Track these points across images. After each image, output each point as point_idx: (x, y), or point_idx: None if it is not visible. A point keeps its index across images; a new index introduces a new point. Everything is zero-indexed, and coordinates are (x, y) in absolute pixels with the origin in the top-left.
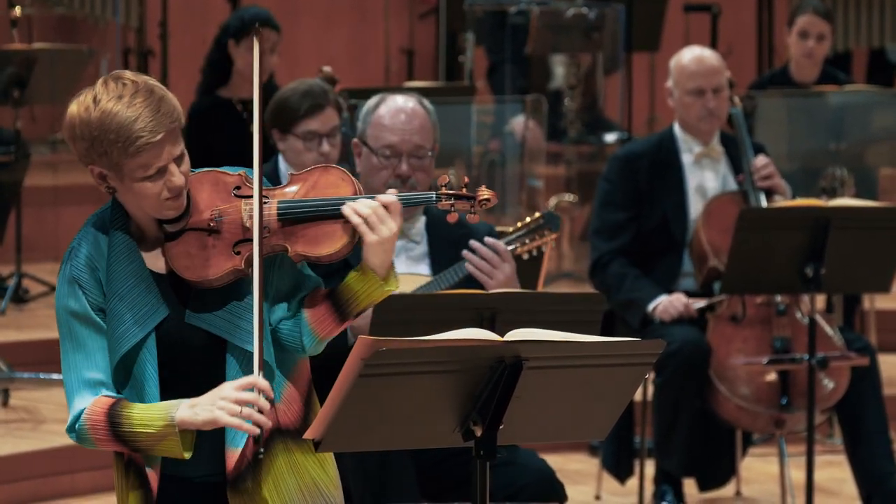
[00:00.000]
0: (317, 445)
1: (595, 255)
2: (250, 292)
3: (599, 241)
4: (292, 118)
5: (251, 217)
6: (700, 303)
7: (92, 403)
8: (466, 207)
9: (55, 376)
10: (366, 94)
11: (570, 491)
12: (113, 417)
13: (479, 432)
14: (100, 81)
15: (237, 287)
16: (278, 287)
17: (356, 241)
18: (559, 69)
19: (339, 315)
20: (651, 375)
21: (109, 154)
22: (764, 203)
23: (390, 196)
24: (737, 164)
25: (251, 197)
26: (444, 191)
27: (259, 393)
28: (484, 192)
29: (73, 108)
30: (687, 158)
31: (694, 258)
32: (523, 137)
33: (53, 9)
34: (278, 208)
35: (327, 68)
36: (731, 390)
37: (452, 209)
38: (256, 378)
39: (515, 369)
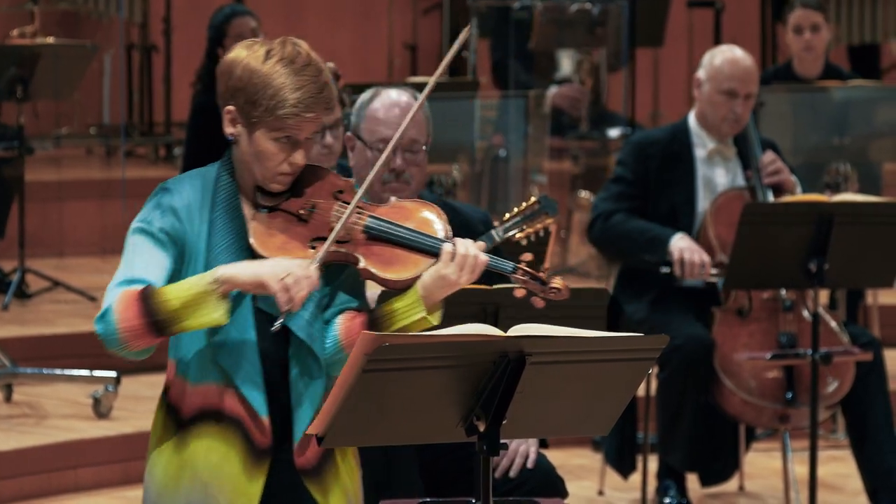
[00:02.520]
0: (320, 441)
1: (595, 212)
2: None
3: (601, 202)
4: None
5: (338, 219)
6: (714, 275)
7: (126, 289)
8: (536, 289)
9: (58, 371)
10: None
11: (573, 486)
12: (147, 293)
13: (482, 427)
14: (279, 40)
15: None
16: (334, 292)
17: None
18: (565, 63)
19: (370, 328)
20: (654, 370)
21: (257, 106)
22: (770, 199)
23: (484, 256)
24: (746, 160)
25: (348, 203)
26: (523, 266)
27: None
28: (557, 282)
29: (243, 52)
30: (700, 153)
31: None
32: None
33: (57, 4)
34: (367, 222)
35: (331, 64)
36: (736, 385)
37: (523, 286)
38: (311, 272)
39: (518, 364)
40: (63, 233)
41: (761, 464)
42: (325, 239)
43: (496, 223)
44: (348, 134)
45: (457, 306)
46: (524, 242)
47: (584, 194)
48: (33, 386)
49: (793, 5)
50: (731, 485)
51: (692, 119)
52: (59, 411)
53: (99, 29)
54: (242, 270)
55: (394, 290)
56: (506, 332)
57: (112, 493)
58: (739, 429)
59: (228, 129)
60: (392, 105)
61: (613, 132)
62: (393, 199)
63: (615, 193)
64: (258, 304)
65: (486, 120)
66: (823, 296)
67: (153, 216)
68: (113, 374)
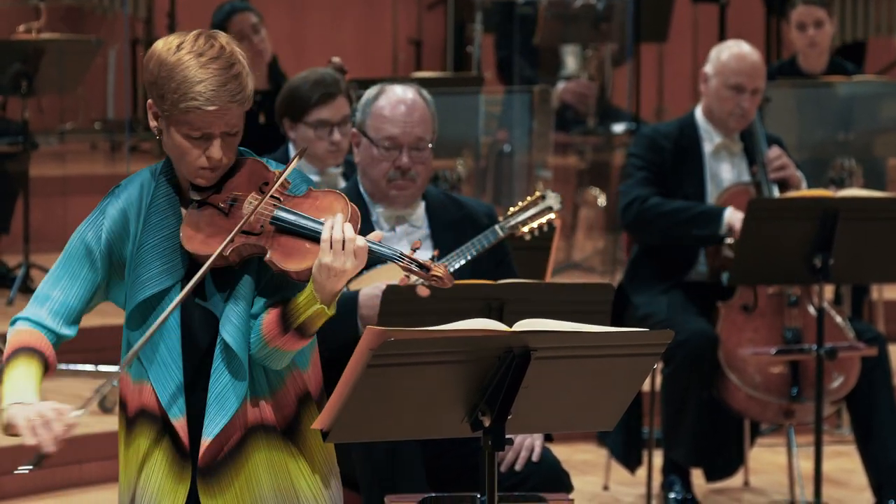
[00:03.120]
0: (325, 435)
1: (626, 199)
2: (249, 275)
3: (631, 189)
4: (304, 107)
5: (251, 211)
6: None
7: (19, 325)
8: (420, 276)
9: (63, 366)
10: (375, 84)
11: (579, 481)
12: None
13: (487, 422)
14: (195, 32)
15: (231, 276)
16: (267, 285)
17: None
18: (570, 59)
19: (283, 324)
20: (659, 365)
21: (165, 99)
22: (776, 194)
23: (363, 240)
24: (752, 155)
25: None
26: (410, 254)
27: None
28: (438, 270)
29: (160, 43)
30: (707, 147)
31: (708, 247)
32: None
33: (62, 0)
34: (275, 213)
35: (336, 59)
36: (741, 379)
37: (407, 273)
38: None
39: (524, 359)
40: (67, 228)
41: (766, 459)
42: (245, 233)
43: (501, 218)
44: (353, 130)
45: (462, 302)
46: (528, 237)
47: (592, 190)
48: None
49: (795, 2)
50: (736, 480)
51: (699, 114)
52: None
53: (103, 24)
54: (13, 412)
55: (300, 282)
56: (511, 327)
57: (117, 488)
58: (744, 424)
59: (152, 124)
60: (398, 102)
61: (618, 127)
62: (309, 189)
63: (641, 179)
64: (197, 299)
65: (490, 115)
66: (828, 291)
67: (89, 232)
68: (118, 369)
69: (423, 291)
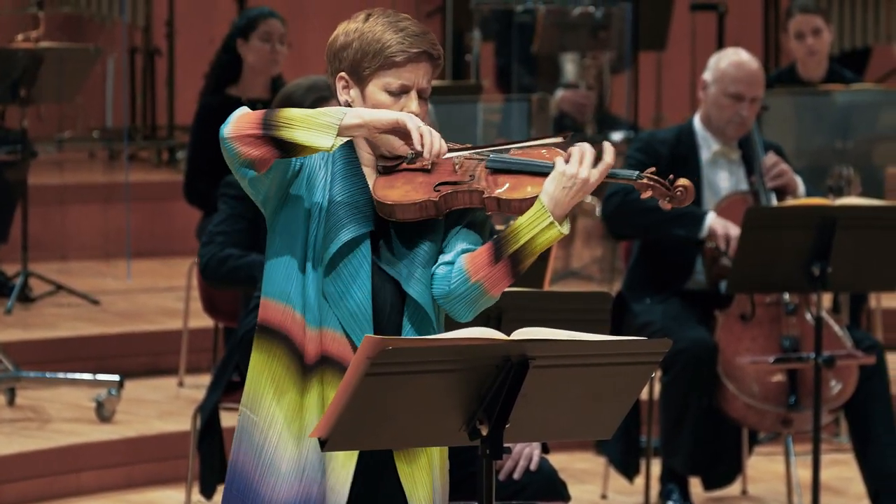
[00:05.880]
0: (323, 444)
1: (611, 190)
2: (432, 243)
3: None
4: None
5: (461, 164)
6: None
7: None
8: (662, 192)
9: (61, 375)
10: None
11: (576, 490)
12: (269, 112)
13: (485, 431)
14: (378, 9)
15: (421, 233)
16: (454, 240)
17: None
18: (569, 67)
19: (495, 252)
20: (658, 374)
21: (367, 55)
22: (774, 202)
23: (610, 157)
24: (750, 164)
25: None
26: (647, 173)
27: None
28: (683, 181)
29: (343, 24)
30: (705, 155)
31: (705, 256)
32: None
33: (60, 8)
34: (490, 158)
35: None
36: (739, 388)
37: (650, 189)
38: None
39: (522, 368)
40: (66, 236)
41: (764, 467)
42: (451, 183)
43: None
44: None
45: None
46: None
47: (589, 199)
48: (36, 390)
49: (791, 12)
50: (734, 489)
51: (697, 121)
52: (62, 415)
53: (102, 32)
54: (379, 112)
55: (521, 213)
56: (509, 335)
57: (115, 497)
58: (742, 432)
59: (342, 97)
60: None
61: (616, 136)
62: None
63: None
64: (380, 263)
65: (489, 124)
66: (826, 299)
67: None
68: (116, 377)
69: (647, 194)
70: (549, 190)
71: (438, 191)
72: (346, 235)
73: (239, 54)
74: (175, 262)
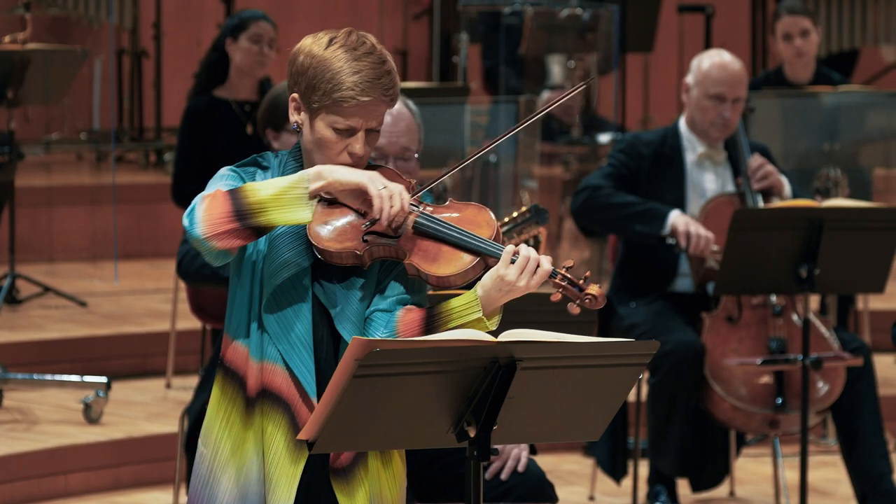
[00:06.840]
0: (310, 446)
1: (581, 185)
2: (367, 280)
3: (590, 179)
4: (285, 115)
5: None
6: (715, 252)
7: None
8: (573, 295)
9: (48, 377)
10: None
11: (564, 491)
12: (236, 189)
13: (472, 433)
14: (345, 30)
15: (352, 276)
16: (389, 288)
17: (467, 280)
18: (556, 69)
19: (427, 325)
20: (645, 375)
21: (317, 89)
22: (760, 204)
23: (547, 264)
24: (736, 166)
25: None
26: (563, 271)
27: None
28: (593, 289)
29: (308, 40)
30: (690, 157)
31: (692, 258)
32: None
33: (47, 9)
34: (418, 219)
35: None
36: (726, 390)
37: (561, 291)
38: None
39: (509, 370)
40: (53, 238)
41: (752, 469)
42: (381, 235)
43: None
44: None
45: None
46: None
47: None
48: (24, 391)
49: (779, 13)
50: (722, 490)
51: (682, 124)
52: (50, 417)
53: (89, 34)
54: (342, 172)
55: (437, 287)
56: (496, 337)
57: (102, 499)
58: (730, 434)
59: (293, 118)
60: None
61: (604, 138)
62: (449, 199)
63: (606, 173)
64: (318, 295)
65: (476, 125)
66: (814, 301)
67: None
68: (103, 379)
69: (556, 297)
70: (486, 285)
71: (366, 241)
72: (286, 272)
73: (227, 54)
74: (162, 263)
